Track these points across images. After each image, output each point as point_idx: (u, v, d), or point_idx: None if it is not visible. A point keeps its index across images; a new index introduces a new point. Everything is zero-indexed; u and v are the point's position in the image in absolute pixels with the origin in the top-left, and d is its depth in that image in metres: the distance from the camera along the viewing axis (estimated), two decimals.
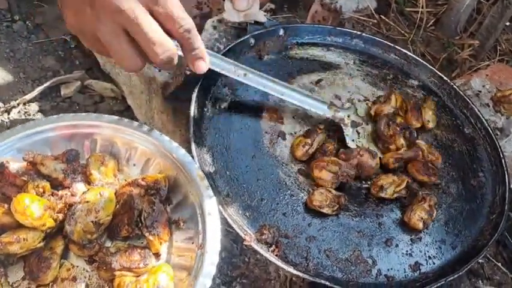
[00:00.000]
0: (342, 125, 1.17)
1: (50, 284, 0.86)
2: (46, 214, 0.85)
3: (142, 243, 0.95)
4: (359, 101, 1.28)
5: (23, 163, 0.96)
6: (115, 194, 0.97)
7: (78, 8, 0.84)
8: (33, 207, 0.84)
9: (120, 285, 0.85)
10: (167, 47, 0.83)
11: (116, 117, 1.05)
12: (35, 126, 1.01)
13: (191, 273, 0.88)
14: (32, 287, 0.86)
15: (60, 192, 0.94)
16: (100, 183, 0.99)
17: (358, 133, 1.18)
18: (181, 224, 0.98)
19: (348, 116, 1.19)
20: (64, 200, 0.93)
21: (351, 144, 1.16)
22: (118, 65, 0.89)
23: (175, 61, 0.88)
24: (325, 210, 1.05)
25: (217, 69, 1.06)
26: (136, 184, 0.97)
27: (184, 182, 0.99)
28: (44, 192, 0.92)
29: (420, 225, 1.06)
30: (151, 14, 0.82)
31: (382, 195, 1.09)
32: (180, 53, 0.91)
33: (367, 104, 1.25)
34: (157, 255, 0.94)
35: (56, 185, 0.96)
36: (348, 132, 1.17)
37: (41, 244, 0.86)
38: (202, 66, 0.94)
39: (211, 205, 0.95)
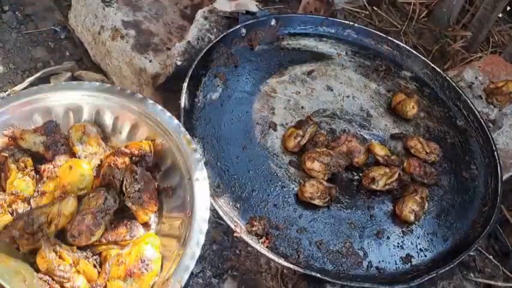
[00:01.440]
0: None
1: None
2: None
3: (131, 213, 0.90)
4: None
5: (4, 139, 0.93)
6: (100, 164, 0.93)
7: None
8: None
9: (106, 258, 0.83)
10: None
11: (97, 83, 1.01)
12: (16, 99, 0.97)
13: (180, 241, 0.85)
14: None
15: (42, 166, 0.92)
16: (84, 154, 0.95)
17: None
18: (170, 192, 0.94)
19: None
20: (46, 175, 0.90)
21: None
22: None
23: None
24: (316, 202, 1.04)
25: None
26: (120, 153, 0.93)
27: (171, 147, 0.96)
28: (25, 167, 0.90)
29: (411, 217, 1.05)
30: None
31: (374, 187, 1.08)
32: None
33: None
34: (146, 225, 0.90)
35: (40, 158, 0.93)
36: None
37: None
38: None
39: (198, 170, 0.91)
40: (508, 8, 2.01)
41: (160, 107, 0.99)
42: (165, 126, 0.97)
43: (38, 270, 0.79)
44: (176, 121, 0.98)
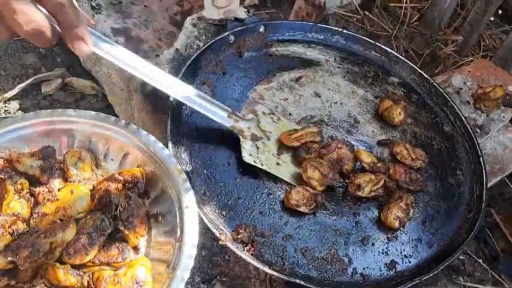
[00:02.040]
0: (240, 136, 1.09)
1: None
2: None
3: (121, 237, 0.94)
4: (263, 113, 1.17)
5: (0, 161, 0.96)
6: (93, 189, 0.97)
7: None
8: None
9: (99, 279, 0.86)
10: (32, 18, 0.74)
11: (94, 113, 1.04)
12: (12, 123, 1.00)
13: (169, 266, 0.88)
14: (11, 282, 0.86)
15: (37, 189, 0.94)
16: (77, 179, 0.98)
17: (258, 148, 1.11)
18: (160, 218, 0.98)
19: (248, 128, 1.11)
20: (42, 198, 0.93)
21: (247, 159, 1.07)
22: None
23: (48, 36, 0.77)
24: (302, 209, 1.05)
25: (104, 56, 0.93)
26: (113, 179, 0.97)
27: (162, 175, 0.99)
28: (22, 189, 0.92)
29: (396, 224, 1.06)
30: None
31: (360, 193, 1.09)
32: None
33: (271, 118, 1.16)
34: (136, 249, 0.94)
35: (33, 181, 0.96)
36: (246, 145, 1.09)
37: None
38: (83, 49, 0.84)
39: (189, 198, 0.94)
40: (500, 11, 2.02)
41: (153, 138, 1.02)
42: (157, 155, 1.00)
43: None
44: (167, 151, 1.00)
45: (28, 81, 1.45)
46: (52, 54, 1.56)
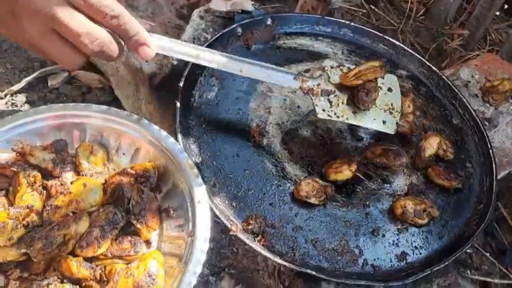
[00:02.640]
0: (310, 95, 1.07)
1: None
2: (7, 230, 0.83)
3: (133, 230, 0.94)
4: (332, 67, 1.12)
5: (12, 154, 0.96)
6: (105, 183, 0.96)
7: (3, 18, 0.81)
8: None
9: (111, 272, 0.85)
10: (95, 36, 0.79)
11: (105, 107, 1.04)
12: (24, 117, 1.00)
13: (181, 260, 0.88)
14: (24, 274, 0.86)
15: (49, 182, 0.94)
16: (89, 173, 0.98)
17: (331, 102, 1.08)
18: (172, 212, 0.97)
19: (318, 85, 1.08)
20: (54, 191, 0.93)
21: (321, 115, 1.06)
22: (59, 64, 0.85)
23: (113, 49, 0.83)
24: (312, 201, 1.05)
25: (168, 53, 0.97)
26: (125, 173, 0.97)
27: (173, 170, 0.99)
28: (35, 182, 0.92)
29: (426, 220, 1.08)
30: (74, 7, 0.79)
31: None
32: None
33: (341, 69, 1.11)
34: (147, 242, 0.94)
35: (45, 174, 0.96)
36: (318, 102, 1.07)
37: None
38: (146, 52, 0.89)
39: (200, 193, 0.94)
40: (506, 6, 2.01)
41: (164, 133, 1.02)
42: (168, 150, 1.00)
43: None
44: (179, 146, 1.01)
45: (34, 75, 1.45)
46: None
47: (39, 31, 0.78)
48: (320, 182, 1.06)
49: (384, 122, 1.09)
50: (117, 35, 0.84)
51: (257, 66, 1.05)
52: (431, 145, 1.16)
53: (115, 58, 0.85)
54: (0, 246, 0.81)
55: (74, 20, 0.77)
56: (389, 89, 1.13)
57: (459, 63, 1.69)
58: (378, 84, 1.08)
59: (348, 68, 1.11)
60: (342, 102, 1.08)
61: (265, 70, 1.06)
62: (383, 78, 1.09)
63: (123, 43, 0.85)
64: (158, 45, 0.93)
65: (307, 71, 1.31)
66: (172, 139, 1.01)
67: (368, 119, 1.08)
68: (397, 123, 1.09)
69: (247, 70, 1.04)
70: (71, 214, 0.87)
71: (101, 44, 0.80)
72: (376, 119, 1.09)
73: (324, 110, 1.06)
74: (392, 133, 1.09)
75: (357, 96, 1.06)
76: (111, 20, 0.81)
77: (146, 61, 1.28)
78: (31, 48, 0.84)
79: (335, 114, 1.07)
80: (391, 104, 1.11)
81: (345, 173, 1.08)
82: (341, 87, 1.09)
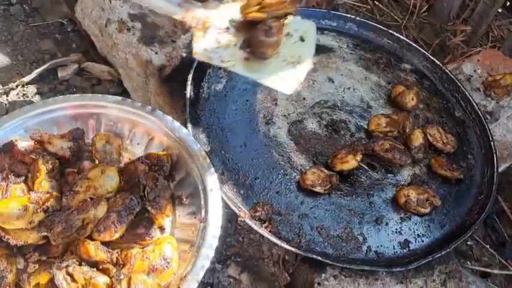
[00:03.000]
0: (192, 29, 0.88)
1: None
2: (28, 213, 0.86)
3: (147, 217, 0.97)
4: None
5: (31, 142, 0.99)
6: (121, 171, 0.99)
7: None
8: (12, 211, 0.84)
9: (127, 256, 0.88)
10: None
11: (120, 98, 1.07)
12: (43, 106, 1.03)
13: (194, 245, 0.92)
14: (42, 258, 0.89)
15: (66, 170, 0.98)
16: (105, 161, 1.01)
17: (219, 41, 0.88)
18: (184, 199, 1.00)
19: (207, 18, 0.88)
20: (71, 178, 0.96)
21: (199, 56, 0.85)
22: None
23: None
24: (317, 189, 1.07)
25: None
26: (140, 161, 0.99)
27: (186, 159, 1.02)
28: (53, 169, 0.95)
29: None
30: None
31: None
32: None
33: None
34: (161, 228, 0.97)
35: (63, 162, 0.99)
36: (200, 38, 0.86)
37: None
38: None
39: (212, 181, 0.97)
40: (508, 3, 2.03)
41: (178, 123, 1.05)
42: (182, 140, 1.03)
43: None
44: (192, 137, 1.03)
45: (45, 66, 1.48)
46: (68, 40, 1.59)
47: None
48: (325, 171, 1.09)
49: (282, 78, 0.88)
50: None
51: None
52: (418, 136, 1.19)
53: None
54: (21, 229, 0.84)
55: None
56: (302, 38, 0.93)
57: (461, 59, 1.71)
58: (289, 30, 0.89)
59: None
60: (235, 45, 0.87)
61: None
62: (294, 16, 0.86)
63: None
64: None
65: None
66: (185, 130, 1.04)
67: (262, 72, 0.87)
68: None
69: None
70: (89, 200, 0.89)
71: None
72: (274, 73, 0.88)
73: (205, 50, 0.85)
74: (289, 93, 0.88)
75: (254, 35, 0.81)
76: None
77: (155, 52, 1.31)
78: None
79: (219, 57, 0.85)
80: (299, 56, 0.90)
81: (351, 162, 1.10)
82: (239, 25, 0.85)
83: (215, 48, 0.86)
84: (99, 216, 0.87)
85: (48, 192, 0.89)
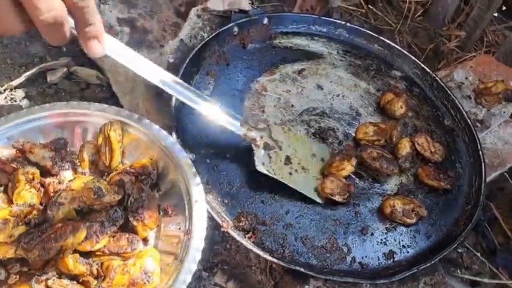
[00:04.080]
0: (253, 145, 1.08)
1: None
2: (8, 227, 0.84)
3: (131, 228, 0.96)
4: (275, 123, 1.18)
5: (13, 150, 0.98)
6: (109, 181, 0.98)
7: None
8: None
9: (108, 268, 0.88)
10: (52, 5, 0.68)
11: (106, 106, 1.06)
12: (28, 114, 1.02)
13: (177, 258, 0.90)
14: (24, 269, 0.88)
15: (47, 180, 0.96)
16: (88, 172, 1.01)
17: (270, 157, 1.09)
18: (170, 212, 0.99)
19: (261, 137, 1.09)
20: (52, 188, 0.94)
21: (260, 168, 1.06)
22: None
23: (66, 31, 0.71)
24: (336, 198, 1.07)
25: (120, 60, 0.90)
26: (126, 172, 0.99)
27: (172, 169, 1.01)
28: (33, 179, 0.94)
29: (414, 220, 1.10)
30: None
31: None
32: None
33: (282, 128, 1.14)
34: (145, 240, 0.96)
35: (44, 172, 0.98)
36: (258, 154, 1.07)
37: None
38: (95, 48, 0.79)
39: (198, 192, 0.96)
40: (504, 7, 2.02)
41: (164, 132, 1.03)
42: (168, 149, 1.01)
43: None
44: (179, 146, 1.02)
45: (34, 70, 1.47)
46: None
47: None
48: (343, 180, 1.09)
49: (315, 190, 1.10)
50: (74, 19, 0.74)
51: (210, 107, 1.03)
52: (405, 145, 1.18)
53: (60, 42, 0.74)
54: (0, 243, 0.83)
55: None
56: (322, 159, 1.15)
57: (455, 64, 1.70)
58: (312, 151, 1.14)
59: (289, 128, 1.15)
60: (280, 161, 1.09)
61: (218, 111, 1.04)
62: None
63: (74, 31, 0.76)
64: (111, 47, 0.85)
65: (301, 70, 1.33)
66: (171, 138, 1.03)
67: (301, 184, 1.09)
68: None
69: (202, 107, 1.02)
70: (68, 222, 0.87)
71: (56, 16, 0.68)
72: (308, 185, 1.10)
73: (263, 164, 1.07)
74: (321, 202, 1.10)
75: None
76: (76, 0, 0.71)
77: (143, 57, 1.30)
78: None
79: (273, 170, 1.07)
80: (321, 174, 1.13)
81: (347, 168, 1.11)
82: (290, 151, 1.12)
83: (268, 163, 1.08)
84: (78, 242, 0.85)
85: (30, 205, 0.88)
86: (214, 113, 1.03)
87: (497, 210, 1.55)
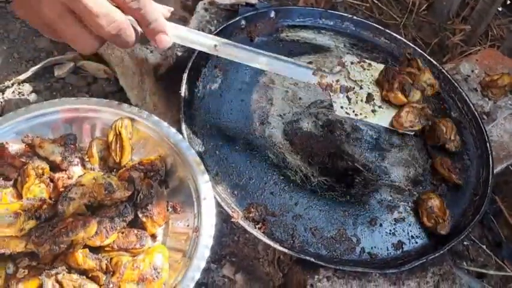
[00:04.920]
0: (329, 91, 1.07)
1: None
2: (19, 220, 0.84)
3: (141, 224, 0.96)
4: (352, 63, 1.15)
5: (22, 145, 0.98)
6: (118, 177, 0.98)
7: None
8: (2, 218, 0.83)
9: (117, 264, 0.88)
10: (112, 18, 0.75)
11: (116, 102, 1.06)
12: (37, 109, 1.02)
13: (186, 255, 0.91)
14: (32, 263, 0.88)
15: (56, 175, 0.96)
16: (97, 168, 1.01)
17: (349, 99, 1.08)
18: (179, 209, 0.99)
19: (337, 81, 1.09)
20: (61, 183, 0.94)
21: (339, 112, 1.07)
22: (73, 47, 0.81)
23: (129, 35, 0.78)
24: (417, 127, 1.11)
25: (185, 43, 0.93)
26: (135, 169, 0.99)
27: (181, 167, 1.01)
28: (43, 174, 0.94)
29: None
30: None
31: None
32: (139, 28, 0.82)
33: (361, 65, 1.14)
34: (153, 236, 0.96)
35: (53, 167, 0.98)
36: (336, 99, 1.08)
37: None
38: (163, 42, 0.85)
39: (206, 189, 0.97)
40: (508, 1, 2.02)
41: (174, 130, 1.04)
42: (176, 146, 1.02)
43: None
44: (187, 143, 1.03)
45: (41, 64, 1.47)
46: None
47: (56, 10, 0.75)
48: (416, 105, 1.11)
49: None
50: (135, 20, 0.81)
51: (275, 59, 1.03)
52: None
53: (130, 45, 0.81)
54: (10, 237, 0.83)
55: (93, 1, 0.73)
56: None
57: (460, 58, 1.70)
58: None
59: (369, 63, 1.14)
60: (361, 100, 1.09)
61: (284, 63, 1.04)
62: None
63: (139, 30, 0.82)
64: (175, 34, 0.90)
65: (309, 63, 1.33)
66: (180, 136, 1.03)
67: (384, 117, 1.12)
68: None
69: (265, 63, 1.02)
70: (79, 217, 0.87)
71: (118, 27, 0.76)
72: (389, 117, 1.14)
73: (342, 107, 1.07)
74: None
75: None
76: (130, 2, 0.78)
77: (151, 51, 1.30)
78: (46, 30, 0.81)
79: (353, 111, 1.08)
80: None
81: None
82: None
83: (348, 105, 1.08)
84: (89, 236, 0.85)
85: (41, 200, 0.88)
86: (281, 68, 1.03)
87: (502, 203, 1.55)
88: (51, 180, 0.96)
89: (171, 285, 0.86)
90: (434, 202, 1.09)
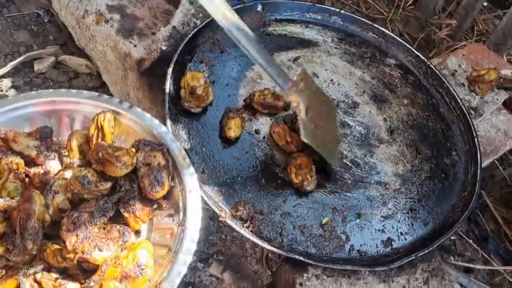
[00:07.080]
0: (297, 113, 1.05)
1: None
2: None
3: (123, 220, 0.93)
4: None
5: None
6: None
7: None
8: None
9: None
10: None
11: (96, 94, 1.03)
12: (13, 102, 0.98)
13: (171, 249, 0.88)
14: (10, 263, 0.84)
15: (32, 170, 0.93)
16: (80, 162, 0.97)
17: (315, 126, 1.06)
18: (164, 205, 0.96)
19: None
20: (37, 179, 0.91)
21: (303, 137, 1.04)
22: None
23: None
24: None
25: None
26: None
27: None
28: (17, 169, 0.91)
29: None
30: None
31: None
32: None
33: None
34: (137, 232, 0.93)
35: (29, 162, 0.94)
36: (303, 122, 1.04)
37: None
38: None
39: (192, 182, 0.94)
40: None
41: (157, 121, 1.01)
42: (160, 139, 0.99)
43: None
44: (171, 135, 1.00)
45: (20, 59, 1.43)
46: (44, 32, 1.54)
47: None
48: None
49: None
50: None
51: (261, 53, 1.02)
52: None
53: None
54: None
55: None
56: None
57: (447, 53, 1.70)
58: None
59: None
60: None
61: (265, 57, 1.02)
62: None
63: None
64: None
65: (296, 58, 1.32)
66: (164, 128, 1.01)
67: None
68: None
69: (258, 57, 1.02)
70: (66, 202, 0.85)
71: None
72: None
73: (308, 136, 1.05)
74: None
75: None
76: None
77: (134, 45, 1.27)
78: None
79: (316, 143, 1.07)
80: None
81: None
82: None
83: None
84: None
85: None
86: (263, 61, 1.02)
87: (488, 198, 1.56)
88: (27, 175, 0.93)
89: (156, 281, 0.83)
90: (303, 160, 1.07)
